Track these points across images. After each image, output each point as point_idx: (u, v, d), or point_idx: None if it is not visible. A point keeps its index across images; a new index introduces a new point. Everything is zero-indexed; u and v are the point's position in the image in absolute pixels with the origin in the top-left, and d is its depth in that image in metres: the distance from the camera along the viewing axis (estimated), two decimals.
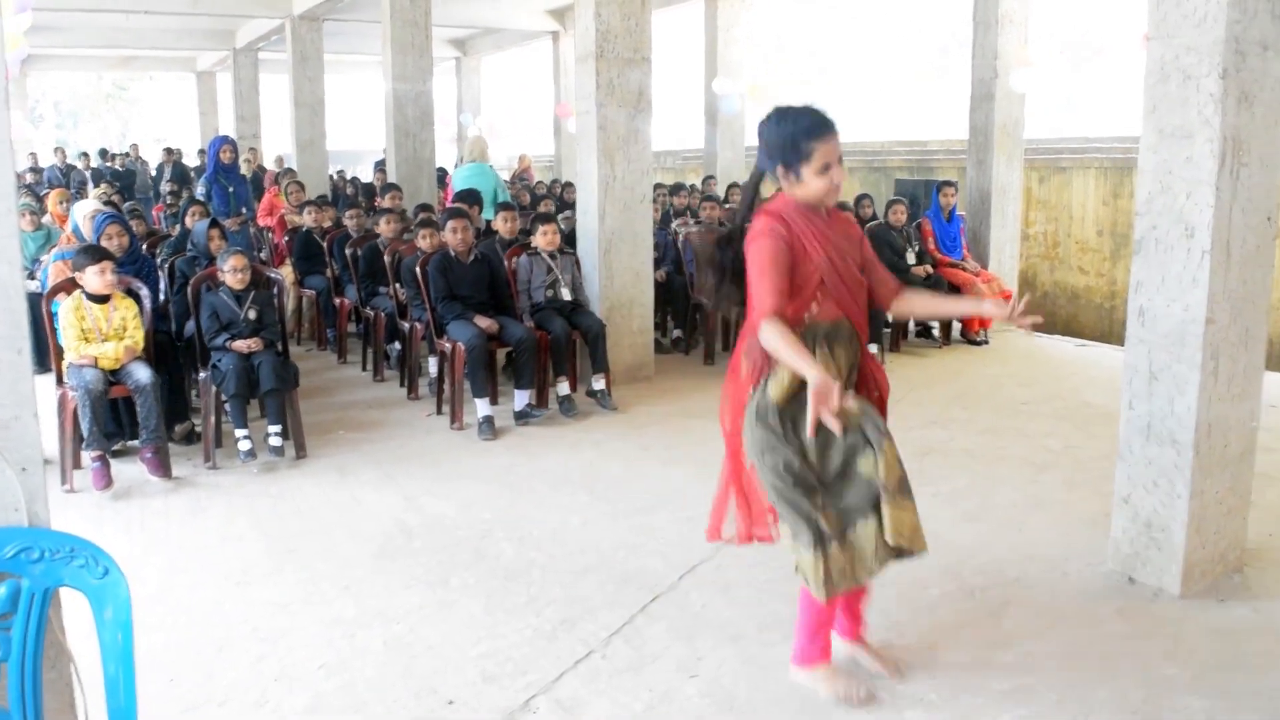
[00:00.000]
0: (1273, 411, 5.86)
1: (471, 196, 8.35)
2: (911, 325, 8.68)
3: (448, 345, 6.18)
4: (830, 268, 2.89)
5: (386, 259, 7.29)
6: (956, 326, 8.65)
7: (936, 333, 8.48)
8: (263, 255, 9.77)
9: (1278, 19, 3.52)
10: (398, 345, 7.36)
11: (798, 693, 3.16)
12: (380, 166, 13.62)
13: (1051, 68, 9.66)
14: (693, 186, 11.35)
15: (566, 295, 6.52)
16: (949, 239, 8.75)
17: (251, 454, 5.42)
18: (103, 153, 20.25)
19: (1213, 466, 3.74)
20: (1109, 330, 9.97)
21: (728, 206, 9.66)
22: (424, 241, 6.85)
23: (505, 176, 14.94)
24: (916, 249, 8.46)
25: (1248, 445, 3.85)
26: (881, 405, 3.21)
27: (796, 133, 2.84)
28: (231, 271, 5.68)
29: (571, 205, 10.05)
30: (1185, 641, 3.45)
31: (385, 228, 7.63)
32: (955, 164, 11.55)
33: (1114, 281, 10.18)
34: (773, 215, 2.89)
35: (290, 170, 13.59)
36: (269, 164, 17.11)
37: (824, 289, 2.91)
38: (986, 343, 8.51)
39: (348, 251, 7.87)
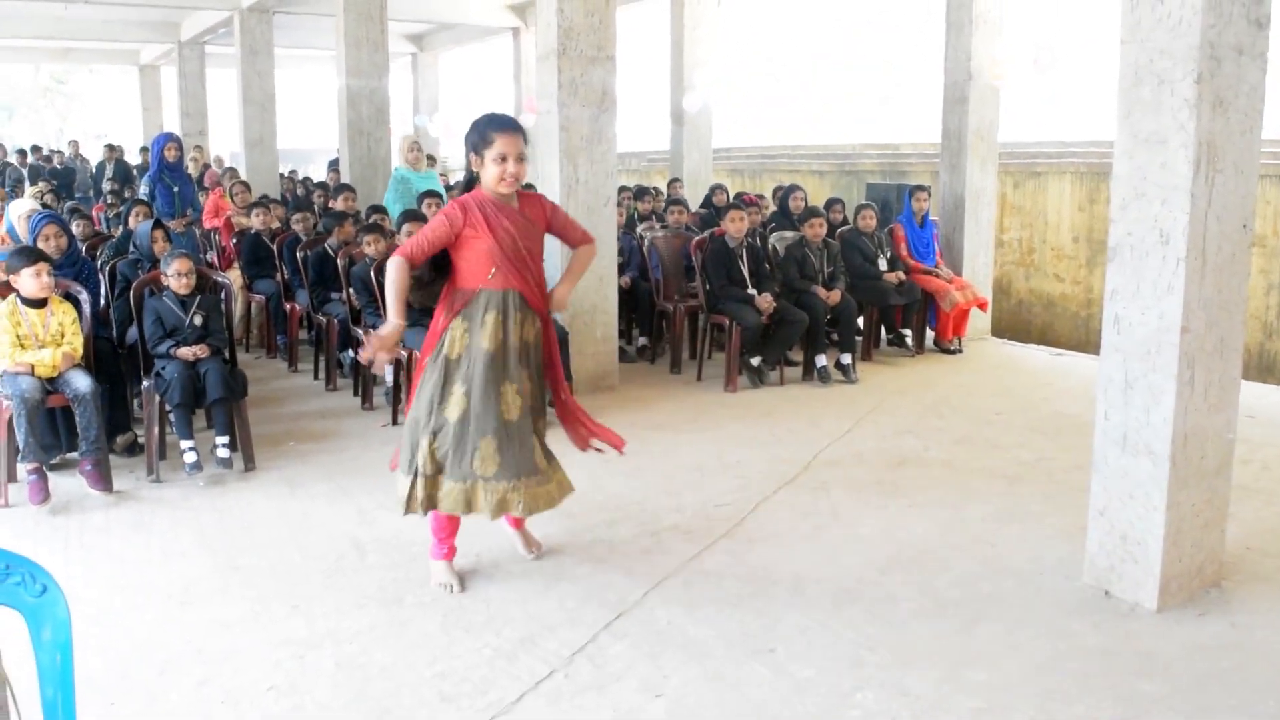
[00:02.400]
0: (1250, 423, 5.96)
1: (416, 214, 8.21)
2: (884, 334, 8.75)
3: (403, 353, 6.15)
4: (498, 248, 3.76)
5: (339, 263, 7.25)
6: (930, 335, 8.73)
7: (910, 341, 8.56)
8: (209, 258, 9.69)
9: (1253, 24, 3.59)
10: (351, 353, 7.33)
11: (765, 712, 3.18)
12: (334, 166, 13.54)
13: (1026, 70, 9.79)
14: (656, 190, 11.37)
15: None
16: (922, 244, 8.84)
17: (197, 466, 5.37)
18: (35, 149, 19.94)
19: (1190, 478, 3.80)
20: (1085, 339, 10.10)
21: (696, 211, 9.71)
22: (370, 248, 6.82)
23: (458, 178, 14.88)
24: (888, 255, 8.53)
25: (1225, 456, 3.92)
26: (552, 371, 4.09)
27: (486, 125, 3.75)
28: (175, 276, 5.63)
29: None
30: (1162, 657, 3.50)
31: (343, 233, 7.57)
32: (928, 168, 11.66)
33: (1090, 289, 10.32)
34: (458, 201, 3.83)
35: (232, 170, 13.49)
36: (213, 163, 16.98)
37: (496, 263, 3.77)
38: (960, 351, 8.59)
39: (298, 255, 7.82)
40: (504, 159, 3.72)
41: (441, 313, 3.92)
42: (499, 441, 3.83)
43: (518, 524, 4.38)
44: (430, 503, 3.91)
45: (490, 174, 3.76)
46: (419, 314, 6.12)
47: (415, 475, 3.88)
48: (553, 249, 6.96)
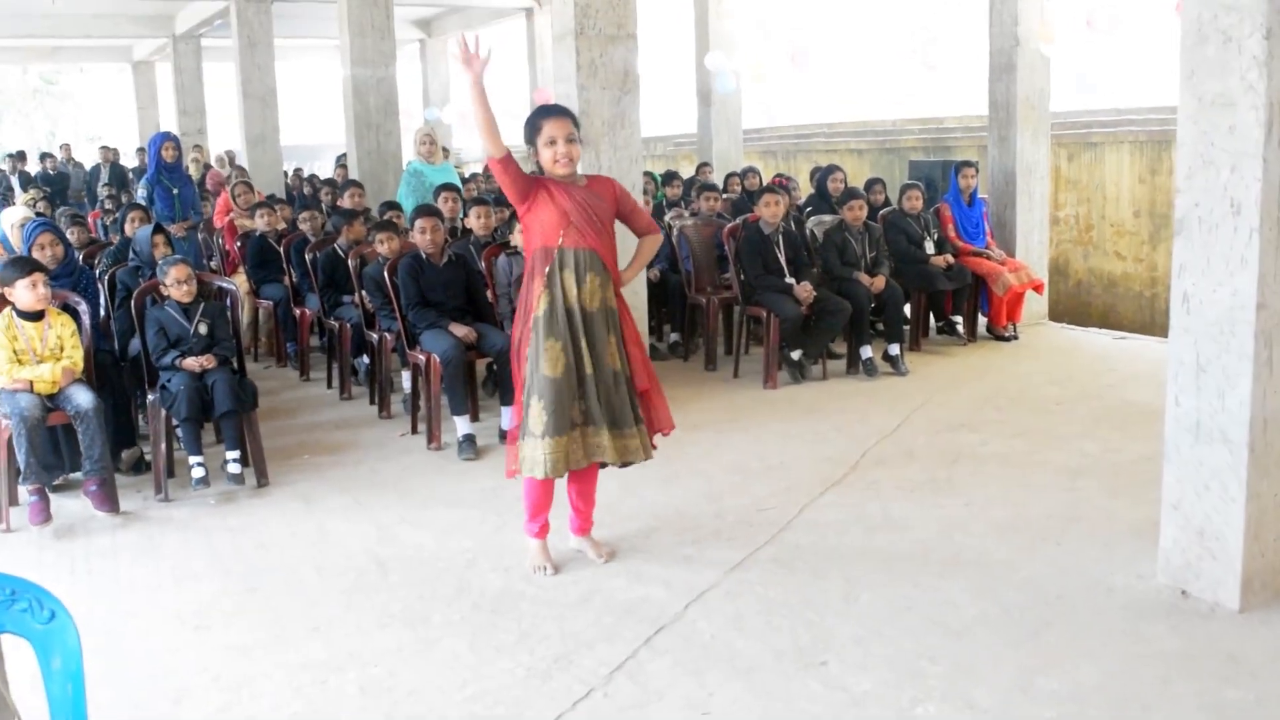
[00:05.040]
0: None
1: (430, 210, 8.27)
2: (933, 321, 8.71)
3: (421, 357, 6.18)
4: (570, 211, 4.14)
5: (350, 264, 7.29)
6: (982, 321, 8.68)
7: (961, 328, 8.51)
8: (214, 263, 9.77)
9: None
10: (366, 359, 7.36)
11: None
12: (341, 161, 13.62)
13: (1079, 33, 9.71)
14: (691, 179, 11.36)
15: None
16: (971, 225, 8.77)
17: (205, 481, 5.41)
18: (20, 155, 20.12)
19: (1270, 466, 3.76)
20: (1150, 320, 10.00)
21: (726, 196, 9.69)
22: (383, 246, 6.85)
23: (474, 170, 14.94)
24: (935, 237, 8.48)
25: None
26: (639, 362, 4.41)
27: (533, 116, 4.23)
28: (174, 284, 5.67)
29: None
30: (1247, 661, 3.47)
31: (353, 233, 7.60)
32: (975, 142, 11.58)
33: (1154, 267, 10.22)
34: (534, 175, 4.27)
35: (240, 169, 13.59)
36: (214, 162, 17.11)
37: (567, 226, 4.13)
38: (1016, 338, 8.53)
39: (307, 257, 7.87)
40: (554, 142, 4.14)
41: (528, 278, 4.29)
42: (593, 390, 4.20)
43: (583, 530, 4.55)
44: (536, 464, 4.15)
45: (545, 158, 4.19)
46: (437, 315, 6.17)
47: (525, 437, 4.19)
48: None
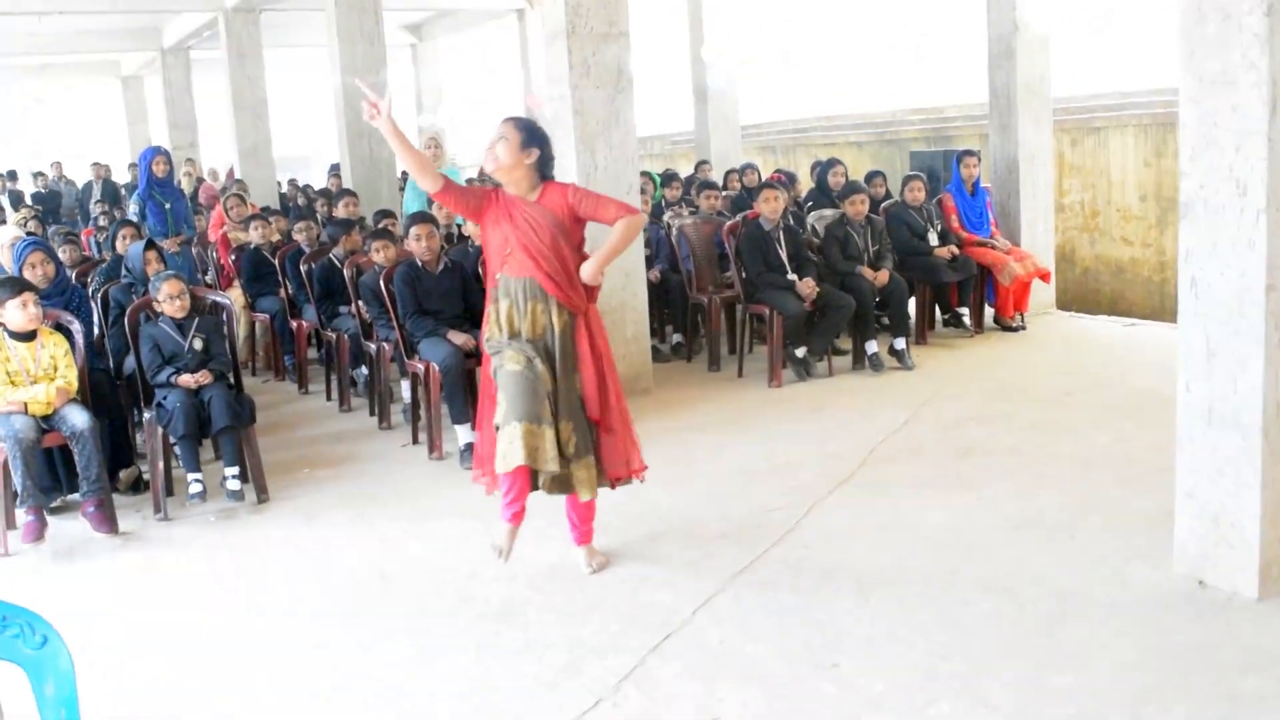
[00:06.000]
0: None
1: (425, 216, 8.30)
2: (939, 314, 8.69)
3: (420, 367, 6.17)
4: (511, 236, 4.14)
5: (346, 274, 7.28)
6: (989, 312, 8.66)
7: (968, 320, 8.49)
8: (208, 278, 9.77)
9: None
10: (364, 370, 7.36)
11: None
12: (334, 171, 13.62)
13: (1077, 15, 9.68)
14: (690, 177, 11.34)
15: None
16: (974, 215, 8.76)
17: (202, 495, 5.41)
18: (11, 174, 20.15)
19: None
20: (1160, 306, 9.97)
21: (726, 194, 9.67)
22: (379, 255, 6.84)
23: (473, 174, 14.93)
24: (939, 228, 8.46)
25: None
26: (598, 378, 4.27)
27: None
28: (167, 299, 5.67)
29: None
30: (1268, 650, 3.45)
31: (349, 243, 7.59)
32: (976, 131, 11.56)
33: (1162, 251, 10.19)
34: (495, 189, 4.30)
35: (240, 182, 13.60)
36: (207, 176, 17.12)
37: (511, 250, 4.14)
38: (1023, 328, 8.51)
39: (302, 268, 7.87)
40: (490, 145, 4.16)
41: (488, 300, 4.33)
42: (561, 396, 4.18)
43: (581, 541, 4.49)
44: (504, 456, 4.09)
45: (484, 159, 4.23)
46: (435, 324, 6.16)
47: (498, 435, 4.14)
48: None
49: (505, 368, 4.14)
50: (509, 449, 4.06)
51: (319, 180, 17.85)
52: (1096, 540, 4.40)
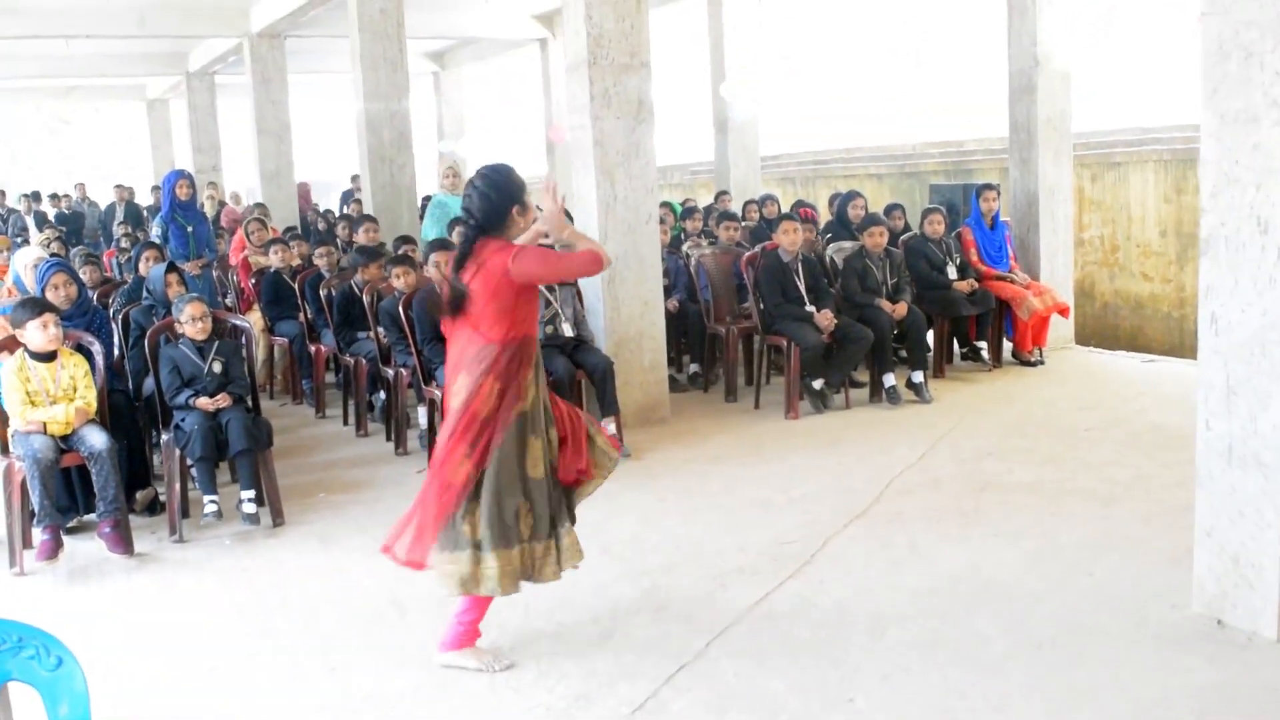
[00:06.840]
0: None
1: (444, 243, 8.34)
2: (957, 348, 8.67)
3: (437, 393, 6.18)
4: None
5: (365, 299, 7.31)
6: (1007, 346, 8.63)
7: (986, 354, 8.47)
8: (229, 301, 9.82)
9: None
10: (382, 395, 7.37)
11: None
12: (347, 198, 13.69)
13: (1099, 52, 9.68)
14: (709, 206, 11.37)
15: (568, 331, 6.53)
16: (993, 249, 8.74)
17: (218, 515, 5.43)
18: (35, 195, 20.33)
19: None
20: (1179, 342, 9.92)
21: (745, 225, 9.69)
22: (399, 281, 6.87)
23: None
24: (958, 262, 8.45)
25: None
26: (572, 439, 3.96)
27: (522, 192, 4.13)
28: (190, 321, 5.70)
29: None
30: None
31: (369, 274, 7.59)
32: (996, 165, 11.56)
33: (1182, 288, 10.15)
34: None
35: (261, 205, 13.69)
36: (229, 200, 17.24)
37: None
38: (1042, 362, 8.48)
39: (322, 293, 7.90)
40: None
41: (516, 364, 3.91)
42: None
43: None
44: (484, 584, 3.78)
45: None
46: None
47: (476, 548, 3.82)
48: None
49: (525, 472, 3.75)
50: (486, 575, 3.74)
51: (335, 203, 17.97)
52: (1115, 578, 4.37)
